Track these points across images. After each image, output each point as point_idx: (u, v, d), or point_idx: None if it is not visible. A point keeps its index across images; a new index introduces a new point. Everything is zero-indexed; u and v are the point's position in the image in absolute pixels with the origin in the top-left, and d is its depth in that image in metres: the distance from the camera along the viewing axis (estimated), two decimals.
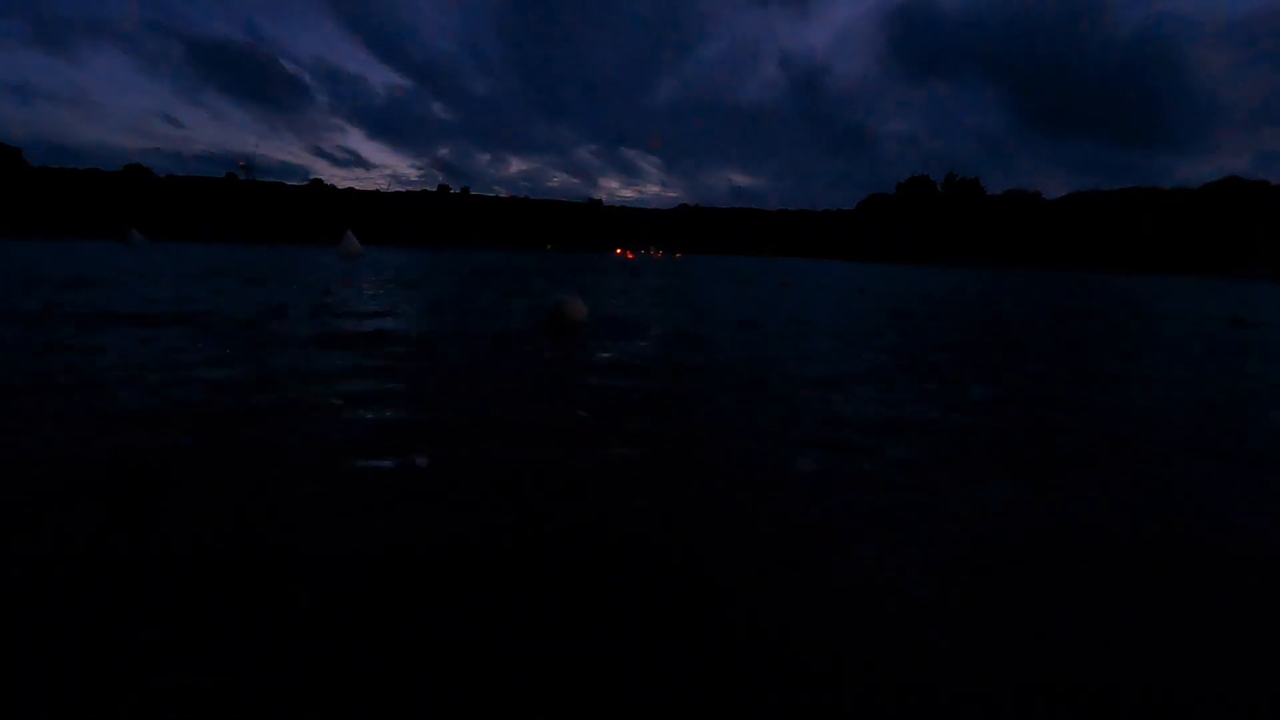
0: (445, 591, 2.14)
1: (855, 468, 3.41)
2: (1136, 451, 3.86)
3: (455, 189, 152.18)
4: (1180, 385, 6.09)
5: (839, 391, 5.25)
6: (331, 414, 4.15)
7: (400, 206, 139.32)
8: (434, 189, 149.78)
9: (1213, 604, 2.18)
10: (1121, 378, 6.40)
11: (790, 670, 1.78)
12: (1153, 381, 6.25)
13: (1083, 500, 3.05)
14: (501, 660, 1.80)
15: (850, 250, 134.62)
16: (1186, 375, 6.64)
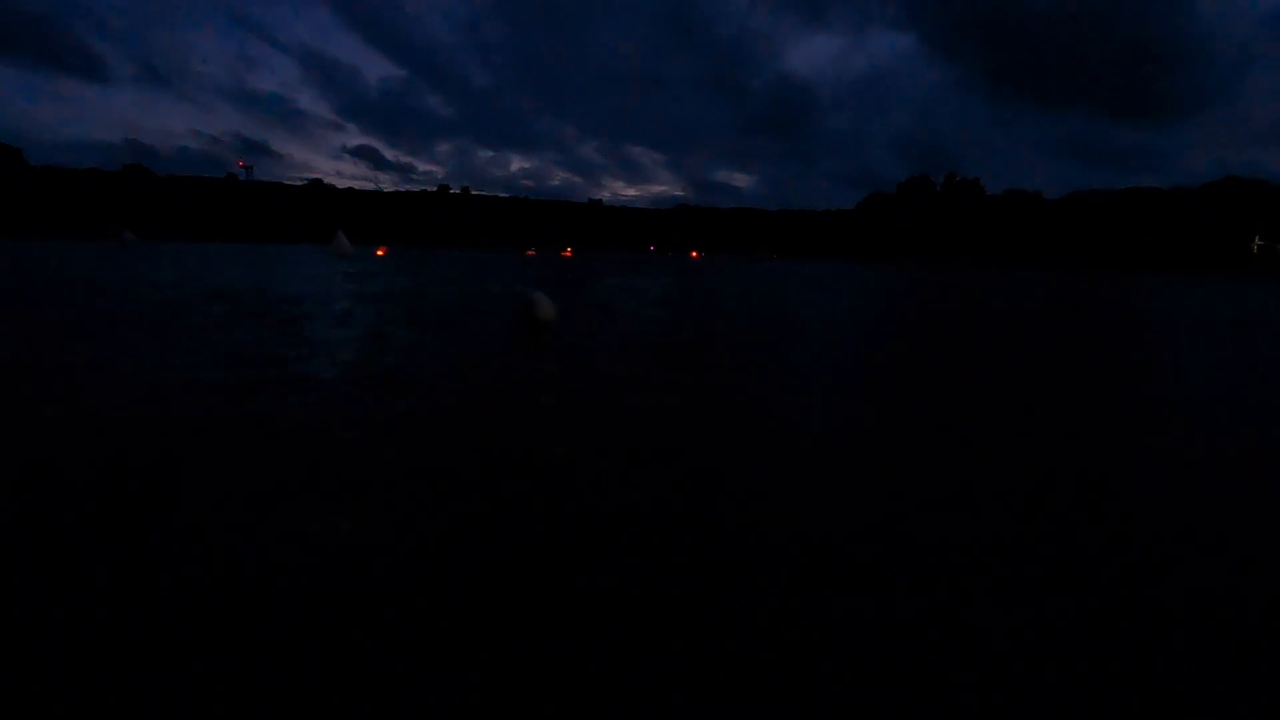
0: (443, 589, 2.14)
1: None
2: None
3: (455, 188, 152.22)
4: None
5: None
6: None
7: (399, 206, 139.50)
8: (433, 189, 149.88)
9: None
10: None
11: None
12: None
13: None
14: (503, 660, 1.80)
15: (851, 251, 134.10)
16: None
